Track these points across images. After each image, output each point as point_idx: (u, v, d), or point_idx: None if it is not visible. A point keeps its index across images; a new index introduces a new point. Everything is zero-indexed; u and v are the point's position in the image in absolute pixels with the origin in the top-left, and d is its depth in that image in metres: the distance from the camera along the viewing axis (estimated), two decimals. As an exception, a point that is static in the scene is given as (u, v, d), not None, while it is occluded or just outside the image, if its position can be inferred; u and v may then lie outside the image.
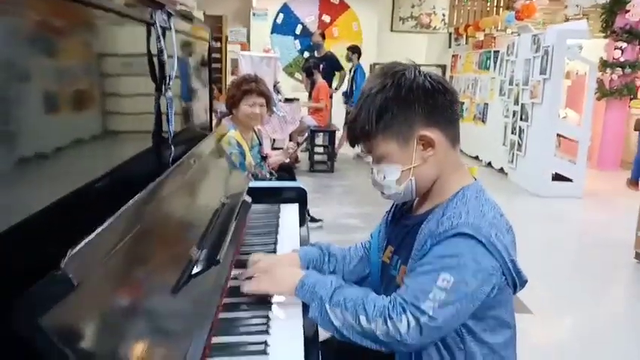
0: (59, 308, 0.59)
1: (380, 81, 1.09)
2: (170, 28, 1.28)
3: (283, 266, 1.23)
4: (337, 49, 8.57)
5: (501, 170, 6.90)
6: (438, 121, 1.09)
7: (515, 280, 1.07)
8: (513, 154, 6.43)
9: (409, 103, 1.07)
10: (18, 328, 0.56)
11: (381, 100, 1.07)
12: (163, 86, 1.25)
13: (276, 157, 3.40)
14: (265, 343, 0.99)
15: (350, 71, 7.50)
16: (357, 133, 1.12)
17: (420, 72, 1.10)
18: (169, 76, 1.26)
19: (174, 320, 0.91)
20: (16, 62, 0.68)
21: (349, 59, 7.46)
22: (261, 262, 1.25)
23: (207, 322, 1.02)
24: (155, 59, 1.22)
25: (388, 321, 0.99)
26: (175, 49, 1.29)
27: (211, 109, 1.98)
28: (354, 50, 7.45)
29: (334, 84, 7.54)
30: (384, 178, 1.12)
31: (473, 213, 1.04)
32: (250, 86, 2.90)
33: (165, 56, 1.23)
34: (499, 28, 8.76)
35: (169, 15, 1.27)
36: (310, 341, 1.04)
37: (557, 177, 5.85)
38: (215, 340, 1.00)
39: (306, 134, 6.61)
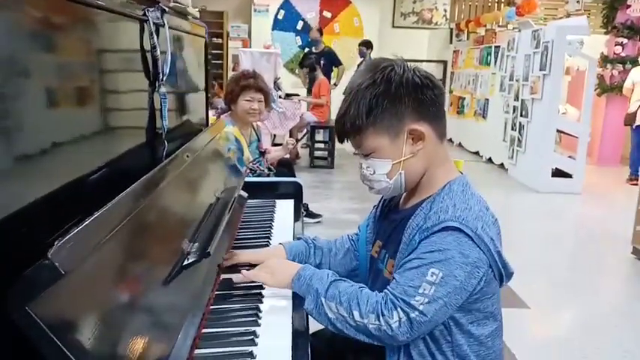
0: (47, 295, 0.61)
1: (369, 76, 1.11)
2: (164, 25, 1.29)
3: (279, 259, 1.25)
4: (339, 44, 8.58)
5: (501, 166, 6.91)
6: (427, 115, 1.11)
7: (502, 272, 1.09)
8: (513, 149, 6.44)
9: (399, 98, 1.08)
10: (7, 313, 0.59)
11: (372, 94, 1.09)
12: (157, 82, 1.27)
13: (275, 153, 3.42)
14: (254, 333, 1.01)
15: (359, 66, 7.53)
16: (347, 128, 1.13)
17: (408, 67, 1.12)
18: (163, 73, 1.27)
19: (165, 311, 0.93)
20: (9, 59, 0.71)
21: (362, 54, 7.49)
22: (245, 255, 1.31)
23: (199, 313, 1.05)
24: (149, 56, 1.24)
25: (380, 317, 1.02)
26: (169, 46, 1.31)
27: (207, 106, 2.00)
28: (368, 45, 7.52)
29: (332, 79, 7.56)
30: (374, 172, 1.13)
31: (459, 206, 1.06)
32: (248, 82, 2.92)
33: (159, 52, 1.25)
34: (500, 24, 8.75)
35: (163, 11, 1.29)
36: (299, 332, 1.06)
37: (558, 173, 5.86)
38: (205, 330, 1.02)
39: (305, 130, 6.62)
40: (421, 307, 1.00)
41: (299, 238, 1.40)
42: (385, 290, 1.05)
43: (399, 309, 1.01)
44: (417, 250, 1.04)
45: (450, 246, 1.01)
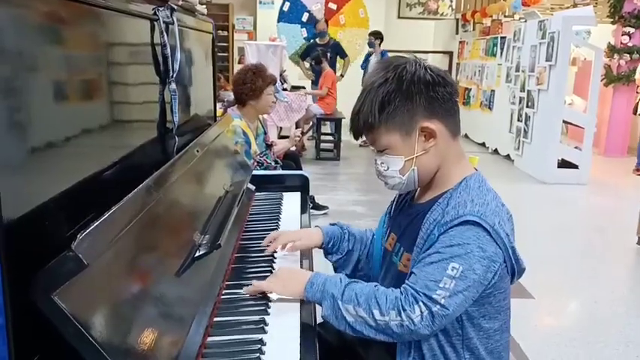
0: (71, 284, 0.65)
1: (382, 74, 1.12)
2: (173, 23, 1.33)
3: (288, 268, 1.25)
4: (344, 36, 8.57)
5: (507, 157, 6.91)
6: (439, 112, 1.12)
7: (514, 268, 1.11)
8: (519, 140, 6.43)
9: (411, 96, 1.10)
10: (35, 301, 0.63)
11: (384, 93, 1.10)
12: (167, 79, 1.30)
13: (281, 145, 3.45)
14: (264, 321, 1.05)
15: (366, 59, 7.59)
16: (361, 126, 1.15)
17: (420, 65, 1.13)
18: (173, 69, 1.31)
19: (178, 300, 0.97)
20: (30, 60, 0.74)
21: (371, 44, 7.53)
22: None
23: (210, 302, 1.09)
24: (159, 53, 1.28)
25: (402, 312, 1.02)
26: (178, 43, 1.34)
27: (215, 100, 2.04)
28: (378, 36, 7.60)
29: (338, 71, 7.57)
30: (388, 168, 1.15)
31: (477, 202, 1.07)
32: (270, 76, 2.97)
33: (169, 50, 1.29)
34: (506, 14, 8.70)
35: (172, 10, 1.32)
36: (307, 320, 1.10)
37: (564, 163, 5.86)
38: (217, 319, 1.06)
39: (311, 122, 6.64)
40: (443, 301, 1.01)
41: (333, 224, 1.43)
42: (404, 285, 1.06)
43: (420, 303, 1.02)
44: (437, 245, 1.05)
45: (469, 240, 1.03)
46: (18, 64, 0.71)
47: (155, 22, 1.23)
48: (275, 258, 1.39)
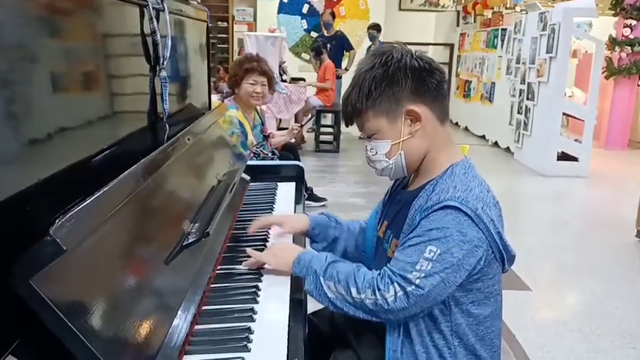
0: (50, 270, 0.64)
1: (369, 61, 1.16)
2: (164, 9, 1.31)
3: (282, 243, 1.31)
4: (345, 28, 8.51)
5: (507, 150, 6.89)
6: (425, 97, 1.14)
7: (503, 254, 1.11)
8: (519, 133, 6.41)
9: (396, 81, 1.13)
10: (13, 287, 0.62)
11: (370, 78, 1.13)
12: (157, 67, 1.29)
13: (280, 138, 3.44)
14: (252, 310, 1.04)
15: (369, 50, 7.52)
16: (350, 111, 1.18)
17: (407, 52, 1.15)
18: (163, 57, 1.29)
19: (165, 288, 0.96)
20: (13, 44, 0.73)
21: (372, 38, 7.50)
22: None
23: (200, 290, 1.08)
24: (149, 40, 1.26)
25: (377, 292, 1.06)
26: (169, 30, 1.32)
27: (210, 89, 2.02)
28: (378, 29, 7.57)
29: (344, 64, 7.52)
30: (376, 153, 1.17)
31: (460, 187, 1.08)
32: (252, 65, 2.93)
33: (159, 37, 1.27)
34: (507, 6, 8.65)
35: (163, -4, 1.30)
36: (297, 308, 1.10)
37: (564, 156, 5.84)
38: (205, 307, 1.06)
39: (310, 115, 6.62)
40: (417, 281, 1.03)
41: (320, 213, 1.46)
42: (384, 267, 1.09)
43: (395, 284, 1.04)
44: (417, 229, 1.07)
45: (448, 224, 1.04)
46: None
47: (144, 8, 1.22)
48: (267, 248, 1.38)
